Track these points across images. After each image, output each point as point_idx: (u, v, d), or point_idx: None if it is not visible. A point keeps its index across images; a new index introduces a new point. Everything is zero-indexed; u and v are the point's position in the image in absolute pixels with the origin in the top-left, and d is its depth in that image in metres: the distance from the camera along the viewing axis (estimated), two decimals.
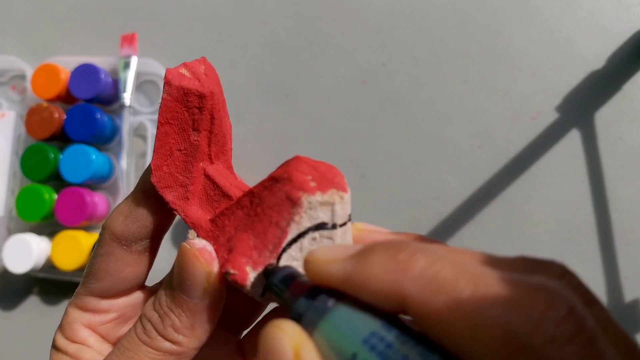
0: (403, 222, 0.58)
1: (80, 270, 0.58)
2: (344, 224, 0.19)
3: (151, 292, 0.24)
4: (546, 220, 0.56)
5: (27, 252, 0.56)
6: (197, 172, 0.21)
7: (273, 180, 0.19)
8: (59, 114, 0.59)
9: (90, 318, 0.22)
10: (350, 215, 0.19)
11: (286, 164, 0.19)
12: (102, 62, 0.62)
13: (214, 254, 0.19)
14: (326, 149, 0.60)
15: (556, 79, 0.58)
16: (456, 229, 0.57)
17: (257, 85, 0.62)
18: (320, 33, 0.62)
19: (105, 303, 0.22)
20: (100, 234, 0.22)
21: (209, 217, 0.21)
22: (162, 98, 0.20)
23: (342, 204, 0.19)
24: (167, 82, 0.20)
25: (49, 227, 0.61)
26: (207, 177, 0.22)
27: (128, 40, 0.62)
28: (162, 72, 0.62)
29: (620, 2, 0.58)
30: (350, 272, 0.15)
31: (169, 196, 0.21)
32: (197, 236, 0.20)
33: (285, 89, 0.61)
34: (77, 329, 0.22)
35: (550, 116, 0.57)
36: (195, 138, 0.21)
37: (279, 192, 0.18)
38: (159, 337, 0.19)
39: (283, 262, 0.18)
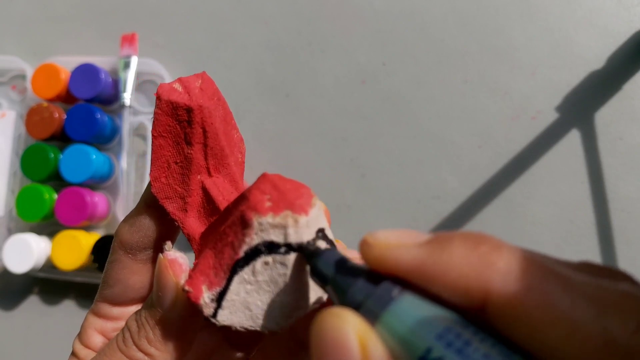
0: (403, 222, 0.58)
1: (80, 270, 0.58)
2: (297, 250, 0.18)
3: None
4: (546, 220, 0.56)
5: (27, 252, 0.56)
6: (195, 184, 0.21)
7: (241, 196, 0.19)
8: (59, 114, 0.59)
9: (103, 324, 0.22)
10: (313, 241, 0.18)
11: (255, 181, 0.19)
12: (102, 62, 0.62)
13: (185, 266, 0.19)
14: (326, 149, 0.60)
15: (556, 79, 0.58)
16: (456, 229, 0.57)
17: (257, 85, 0.62)
18: (320, 33, 0.62)
19: (116, 310, 0.23)
20: (112, 242, 0.22)
21: (202, 230, 0.21)
22: (154, 112, 0.21)
23: (295, 228, 0.17)
24: (157, 97, 0.20)
25: (49, 227, 0.61)
26: (204, 190, 0.22)
27: (128, 40, 0.62)
28: (162, 72, 0.62)
29: (620, 2, 0.58)
30: (425, 261, 0.13)
31: (170, 207, 0.21)
32: (172, 248, 0.20)
33: (285, 89, 0.61)
34: (91, 334, 0.22)
35: (550, 116, 0.57)
36: (189, 151, 0.21)
37: (236, 211, 0.18)
38: (134, 347, 0.19)
39: (235, 285, 0.18)
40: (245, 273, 0.18)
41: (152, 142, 0.21)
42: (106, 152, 0.61)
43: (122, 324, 0.23)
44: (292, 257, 0.18)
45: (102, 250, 0.57)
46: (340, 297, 0.15)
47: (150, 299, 0.20)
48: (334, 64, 0.61)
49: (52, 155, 0.58)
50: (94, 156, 0.58)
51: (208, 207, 0.21)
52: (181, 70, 0.63)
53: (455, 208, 0.57)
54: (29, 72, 0.63)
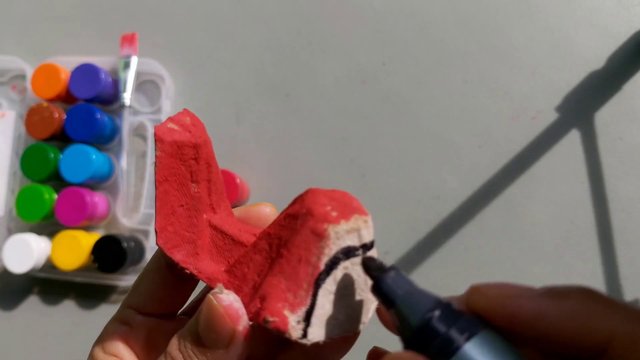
0: (403, 222, 0.58)
1: (80, 270, 0.58)
2: (371, 247, 0.19)
3: (180, 325, 0.24)
4: (546, 220, 0.56)
5: (27, 252, 0.56)
6: (202, 224, 0.21)
7: (291, 217, 0.19)
8: (59, 114, 0.59)
9: (127, 331, 0.22)
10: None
11: (301, 199, 0.19)
12: (102, 62, 0.62)
13: (241, 310, 0.19)
14: (326, 149, 0.60)
15: (556, 79, 0.58)
16: (456, 229, 0.57)
17: (257, 85, 0.62)
18: (320, 33, 0.62)
19: (140, 318, 0.22)
20: (157, 250, 0.22)
21: (223, 269, 0.20)
22: (157, 156, 0.20)
23: (367, 228, 0.19)
24: (159, 139, 0.20)
25: (49, 227, 0.61)
26: (213, 227, 0.21)
27: (128, 40, 0.62)
28: (162, 72, 0.62)
29: (620, 2, 0.58)
30: (546, 310, 0.15)
31: (178, 256, 0.21)
32: (225, 289, 0.19)
33: (285, 89, 0.61)
34: (114, 340, 0.22)
35: (550, 116, 0.57)
36: (196, 190, 0.21)
37: (302, 228, 0.18)
38: None
39: (320, 299, 0.18)
40: (327, 284, 0.18)
41: (157, 189, 0.20)
42: (106, 152, 0.61)
43: (143, 334, 0.22)
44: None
45: (102, 250, 0.57)
46: (407, 324, 0.16)
47: (195, 332, 0.19)
48: (334, 64, 0.61)
49: (52, 155, 0.58)
50: (94, 156, 0.58)
51: (221, 244, 0.21)
52: (181, 70, 0.63)
53: (455, 208, 0.57)
54: (29, 72, 0.63)
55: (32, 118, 0.59)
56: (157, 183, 0.20)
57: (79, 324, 0.61)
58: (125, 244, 0.57)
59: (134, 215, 0.61)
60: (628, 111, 0.56)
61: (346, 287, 0.18)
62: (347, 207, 0.18)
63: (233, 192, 0.56)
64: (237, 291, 0.19)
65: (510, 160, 0.57)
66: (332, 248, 0.18)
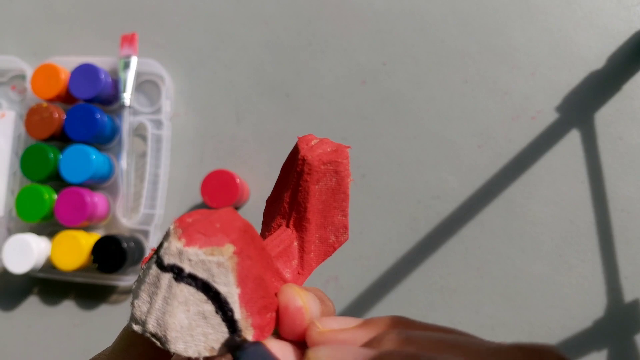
0: (403, 222, 0.58)
1: (80, 270, 0.58)
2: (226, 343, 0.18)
3: None
4: (546, 220, 0.56)
5: (27, 252, 0.56)
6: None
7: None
8: (59, 114, 0.59)
9: None
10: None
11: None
12: (102, 62, 0.62)
13: None
14: None
15: (556, 79, 0.58)
16: (456, 229, 0.57)
17: (257, 85, 0.62)
18: (320, 33, 0.62)
19: None
20: (124, 329, 0.21)
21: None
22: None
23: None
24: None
25: (49, 227, 0.61)
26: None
27: (128, 40, 0.62)
28: (162, 72, 0.62)
29: (620, 2, 0.58)
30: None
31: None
32: None
33: (285, 89, 0.61)
34: None
35: (550, 116, 0.57)
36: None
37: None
38: None
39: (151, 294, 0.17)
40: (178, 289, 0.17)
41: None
42: (106, 152, 0.61)
43: None
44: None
45: (102, 251, 0.57)
46: None
47: None
48: (334, 64, 0.61)
49: (52, 155, 0.58)
50: (94, 156, 0.58)
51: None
52: (181, 70, 0.63)
53: (455, 208, 0.57)
54: (29, 72, 0.63)
55: (32, 118, 0.59)
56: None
57: (79, 324, 0.61)
58: (125, 244, 0.57)
59: (133, 215, 0.61)
60: (628, 111, 0.56)
61: (187, 301, 0.17)
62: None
63: (233, 192, 0.56)
64: None
65: (510, 160, 0.57)
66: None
